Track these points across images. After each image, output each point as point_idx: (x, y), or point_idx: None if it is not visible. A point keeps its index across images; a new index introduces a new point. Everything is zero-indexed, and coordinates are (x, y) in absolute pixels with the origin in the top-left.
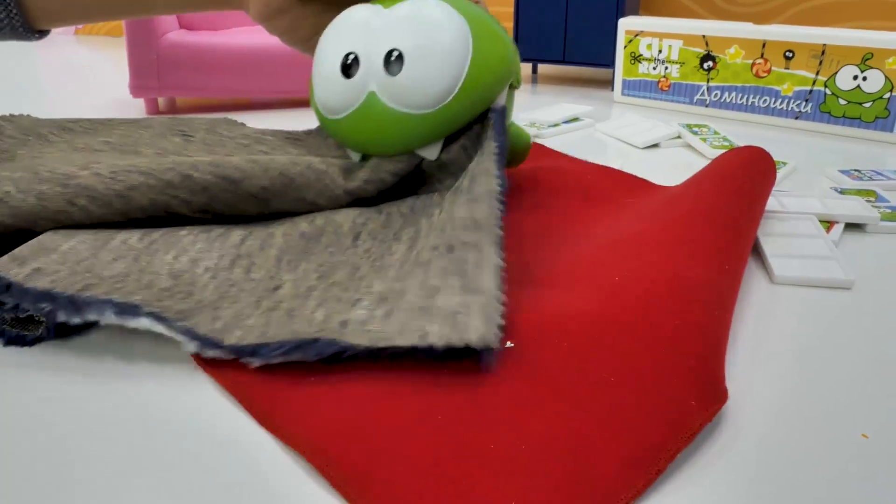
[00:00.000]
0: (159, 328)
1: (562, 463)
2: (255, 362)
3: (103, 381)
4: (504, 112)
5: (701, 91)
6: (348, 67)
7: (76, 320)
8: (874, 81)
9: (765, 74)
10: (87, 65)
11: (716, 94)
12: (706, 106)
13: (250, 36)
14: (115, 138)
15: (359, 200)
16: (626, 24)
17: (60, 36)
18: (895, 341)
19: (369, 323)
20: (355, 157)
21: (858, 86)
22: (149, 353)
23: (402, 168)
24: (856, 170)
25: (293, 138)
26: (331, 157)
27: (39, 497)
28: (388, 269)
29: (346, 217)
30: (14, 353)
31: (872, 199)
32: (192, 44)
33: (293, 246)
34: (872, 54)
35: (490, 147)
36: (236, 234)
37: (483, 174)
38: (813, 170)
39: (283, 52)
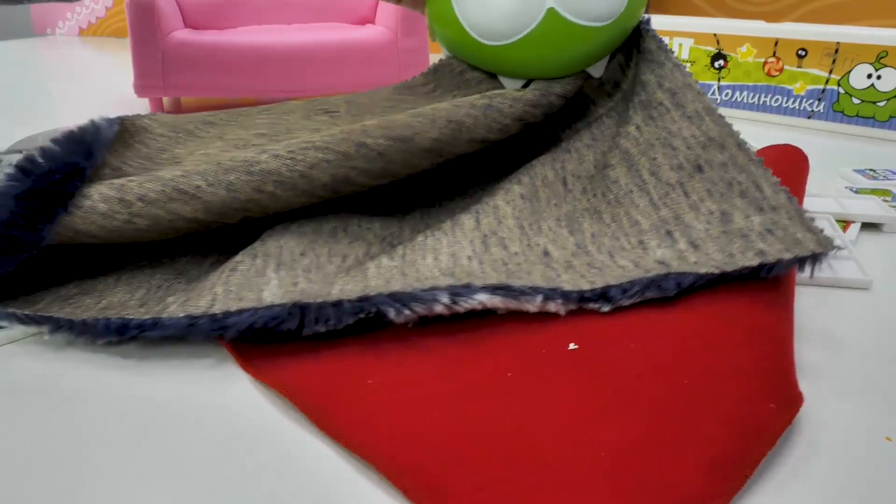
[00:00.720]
0: (497, 300)
1: (644, 470)
2: (606, 307)
3: (158, 380)
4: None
5: (712, 90)
6: None
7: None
8: (889, 80)
9: (777, 73)
10: (92, 65)
11: (727, 94)
12: (717, 105)
13: (257, 35)
14: (265, 129)
15: (529, 132)
16: None
17: (64, 37)
18: None
19: (686, 256)
20: (513, 84)
21: (872, 84)
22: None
23: (570, 89)
24: (871, 169)
25: (429, 88)
26: (485, 91)
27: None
28: (628, 202)
29: (544, 166)
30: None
31: (888, 198)
32: (198, 43)
33: (524, 210)
34: (887, 52)
35: (661, 57)
36: (467, 218)
37: (685, 89)
38: (827, 169)
39: (291, 51)
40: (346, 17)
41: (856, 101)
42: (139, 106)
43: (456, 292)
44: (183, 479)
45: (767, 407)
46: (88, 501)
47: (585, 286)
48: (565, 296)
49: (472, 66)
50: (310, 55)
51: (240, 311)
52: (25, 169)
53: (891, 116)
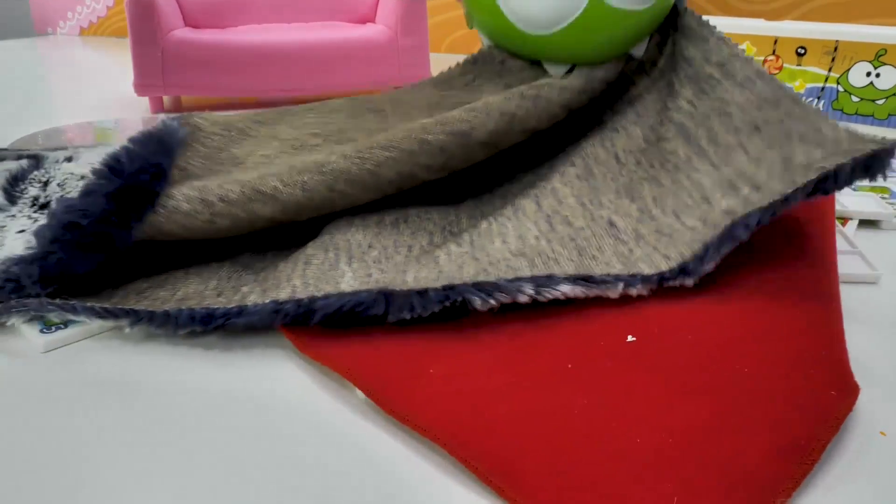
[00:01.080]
0: (578, 290)
1: (713, 454)
2: (689, 281)
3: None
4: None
5: None
6: None
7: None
8: (888, 78)
9: (776, 71)
10: (92, 64)
11: None
12: None
13: (259, 34)
14: (317, 128)
15: (571, 115)
16: None
17: (65, 36)
18: None
19: (750, 198)
20: (557, 71)
21: (871, 82)
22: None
23: (612, 74)
24: None
25: (468, 79)
26: (527, 78)
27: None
28: (688, 168)
29: (594, 146)
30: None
31: (886, 195)
32: (198, 42)
33: (582, 189)
34: (886, 50)
35: (705, 32)
36: (527, 202)
37: (733, 59)
38: None
39: (291, 50)
40: (346, 16)
41: (855, 98)
42: (139, 105)
43: (540, 283)
44: (275, 474)
45: (829, 394)
46: (180, 492)
47: (663, 266)
48: (645, 280)
49: (513, 54)
50: (310, 54)
51: (326, 296)
52: (114, 168)
53: (890, 114)
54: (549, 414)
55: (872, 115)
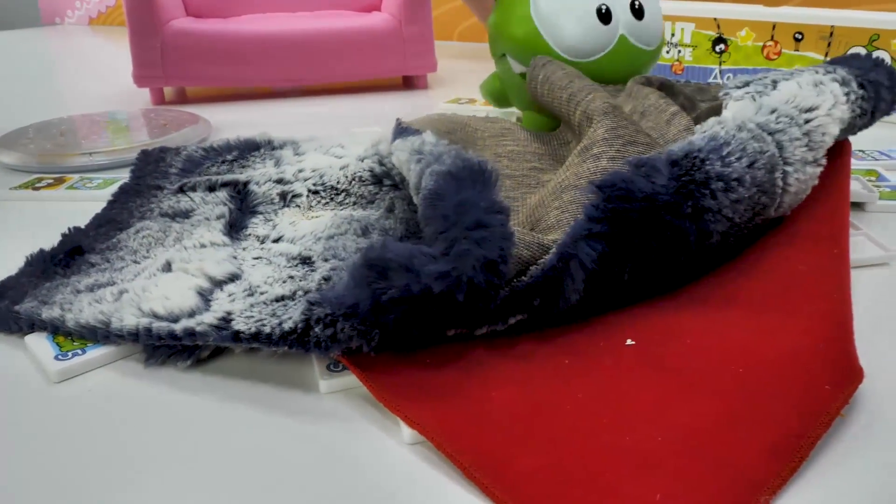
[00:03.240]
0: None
1: (701, 454)
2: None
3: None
4: None
5: (713, 74)
6: (605, 16)
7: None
8: None
9: (775, 57)
10: (99, 54)
11: (728, 78)
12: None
13: (260, 23)
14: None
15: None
16: None
17: (74, 26)
18: None
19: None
20: None
21: None
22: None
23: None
24: (861, 150)
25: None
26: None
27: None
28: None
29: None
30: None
31: (874, 178)
32: (199, 31)
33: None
34: (879, 35)
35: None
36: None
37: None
38: None
39: (295, 40)
40: (351, 5)
41: None
42: (141, 96)
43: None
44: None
45: (822, 389)
46: None
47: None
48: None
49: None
50: (314, 43)
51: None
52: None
53: None
54: (542, 408)
55: None
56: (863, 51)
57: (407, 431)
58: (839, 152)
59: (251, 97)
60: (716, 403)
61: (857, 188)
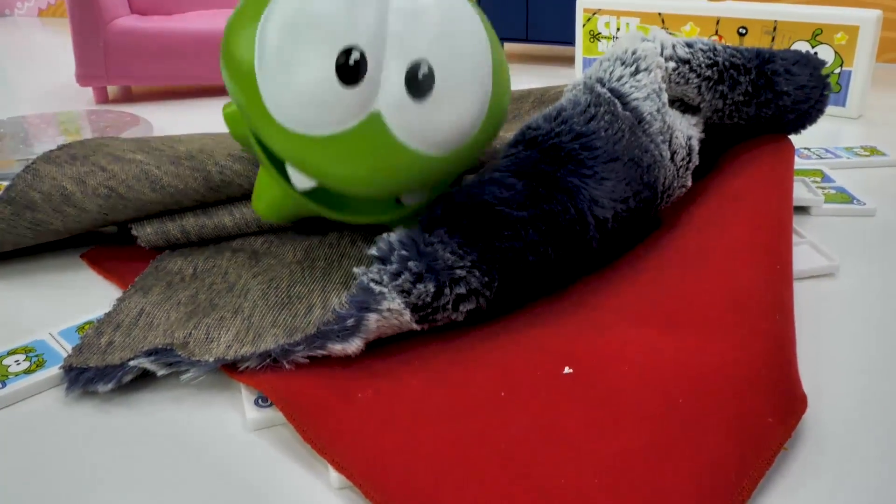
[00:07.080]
0: None
1: (640, 480)
2: None
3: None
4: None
5: None
6: (350, 70)
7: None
8: (824, 57)
9: None
10: (45, 47)
11: None
12: None
13: (206, 21)
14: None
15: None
16: (583, 3)
17: (23, 17)
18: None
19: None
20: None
21: None
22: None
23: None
24: (806, 148)
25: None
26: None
27: None
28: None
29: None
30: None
31: (819, 178)
32: (142, 30)
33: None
34: (822, 30)
35: None
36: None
37: None
38: None
39: None
40: None
41: None
42: (83, 93)
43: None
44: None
45: (765, 420)
46: None
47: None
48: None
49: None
50: None
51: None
52: None
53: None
54: (474, 441)
55: None
56: (807, 46)
57: (335, 475)
58: (781, 151)
59: (198, 95)
60: (650, 437)
61: (801, 191)
